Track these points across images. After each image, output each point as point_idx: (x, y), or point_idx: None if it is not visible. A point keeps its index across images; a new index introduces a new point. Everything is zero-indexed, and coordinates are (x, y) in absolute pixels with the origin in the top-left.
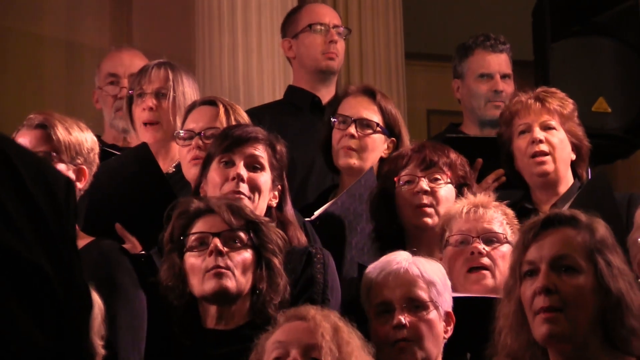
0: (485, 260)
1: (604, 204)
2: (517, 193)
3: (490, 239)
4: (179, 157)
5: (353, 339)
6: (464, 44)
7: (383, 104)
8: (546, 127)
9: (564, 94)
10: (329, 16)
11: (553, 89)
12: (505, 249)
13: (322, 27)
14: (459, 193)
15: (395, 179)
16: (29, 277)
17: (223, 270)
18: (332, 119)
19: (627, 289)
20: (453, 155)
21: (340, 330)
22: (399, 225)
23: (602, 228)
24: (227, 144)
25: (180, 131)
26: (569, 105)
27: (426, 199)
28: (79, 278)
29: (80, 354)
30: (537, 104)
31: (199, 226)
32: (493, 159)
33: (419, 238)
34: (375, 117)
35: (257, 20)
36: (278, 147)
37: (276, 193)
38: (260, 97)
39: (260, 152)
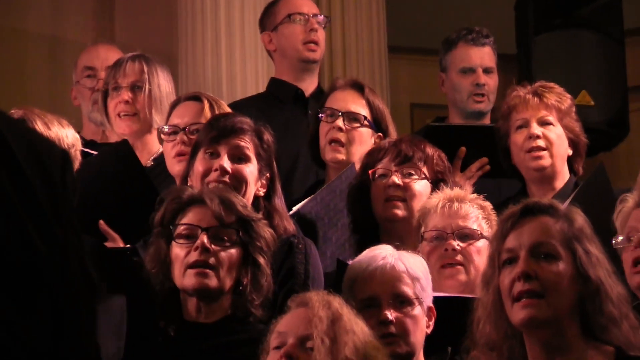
0: (459, 258)
1: (602, 199)
2: (512, 182)
3: (465, 235)
4: (164, 152)
5: (356, 326)
6: (448, 38)
7: (371, 99)
8: (544, 123)
9: (562, 89)
10: (307, 6)
11: (551, 84)
12: (481, 244)
13: (302, 17)
14: (435, 188)
15: (370, 172)
16: (18, 266)
17: (206, 270)
18: (319, 113)
19: (605, 277)
20: (429, 150)
21: (340, 318)
22: (373, 218)
23: (580, 218)
24: (212, 135)
25: (165, 126)
26: (567, 101)
27: (397, 193)
28: (75, 262)
29: (81, 344)
30: (535, 99)
31: (189, 217)
32: (476, 147)
33: (390, 231)
34: (363, 111)
35: (240, 15)
36: (265, 137)
37: (264, 182)
38: (243, 92)
39: (246, 143)
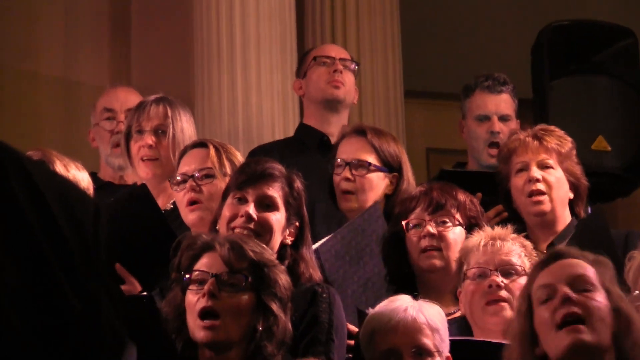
0: (503, 293)
1: (600, 241)
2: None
3: (508, 271)
4: (177, 202)
5: None
6: (467, 85)
7: (376, 142)
8: (543, 166)
9: (562, 132)
10: (335, 51)
11: (552, 127)
12: (524, 280)
13: (328, 60)
14: (470, 234)
15: (403, 222)
16: (55, 315)
17: (215, 323)
18: (330, 165)
19: (637, 316)
20: (461, 196)
21: None
22: (410, 269)
23: (608, 270)
24: (241, 180)
25: (178, 176)
26: (567, 144)
27: (433, 243)
28: (105, 319)
29: None
30: (535, 142)
31: (201, 263)
32: (493, 194)
33: (428, 281)
34: (369, 157)
35: (257, 59)
36: (296, 185)
37: (292, 230)
38: (259, 136)
39: (275, 190)
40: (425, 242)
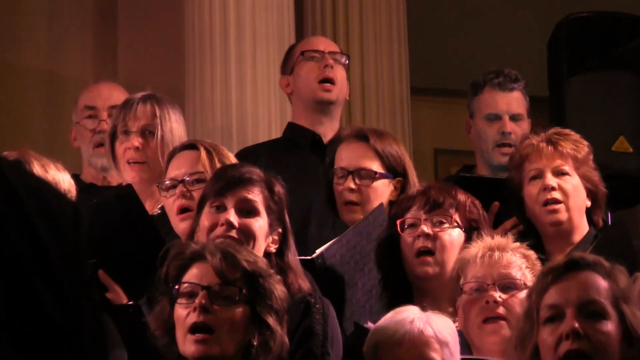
0: (501, 310)
1: (622, 252)
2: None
3: (507, 285)
4: (166, 209)
5: None
6: (475, 81)
7: (379, 147)
8: (559, 173)
9: (578, 135)
10: (323, 44)
11: (567, 131)
12: (524, 295)
13: (317, 54)
14: (469, 237)
15: (398, 222)
16: (32, 325)
17: (207, 337)
18: (329, 172)
19: None
20: (461, 196)
21: None
22: (405, 273)
23: (624, 277)
24: (219, 186)
25: (166, 181)
26: (584, 148)
27: (427, 244)
28: (87, 328)
29: None
30: (549, 147)
31: (191, 274)
32: (510, 202)
33: (423, 288)
34: (374, 164)
35: (252, 51)
36: (276, 189)
37: (275, 237)
38: (254, 133)
39: (254, 195)
40: (419, 243)
